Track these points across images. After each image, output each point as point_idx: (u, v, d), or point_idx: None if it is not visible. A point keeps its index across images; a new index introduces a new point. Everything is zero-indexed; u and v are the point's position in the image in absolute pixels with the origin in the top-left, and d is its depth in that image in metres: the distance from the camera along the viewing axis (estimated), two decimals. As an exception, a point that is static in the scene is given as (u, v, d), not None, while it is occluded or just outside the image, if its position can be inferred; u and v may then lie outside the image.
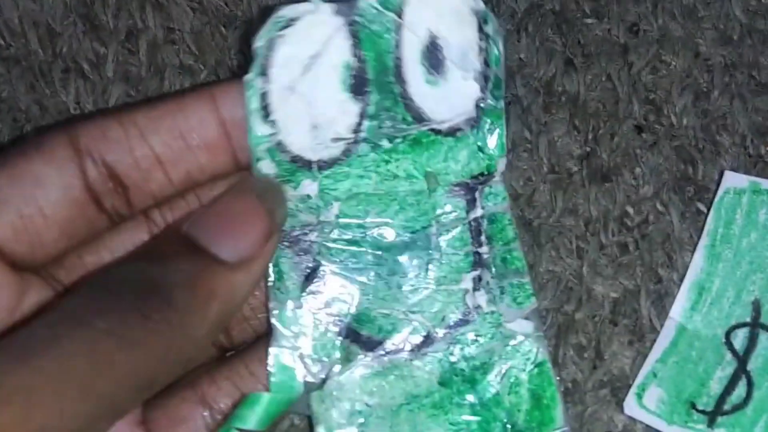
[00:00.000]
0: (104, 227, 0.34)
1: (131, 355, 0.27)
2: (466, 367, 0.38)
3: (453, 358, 0.38)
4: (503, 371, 0.38)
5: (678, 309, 0.41)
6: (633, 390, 0.40)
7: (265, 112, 0.36)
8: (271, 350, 0.36)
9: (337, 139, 0.37)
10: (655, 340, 0.40)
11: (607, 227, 0.42)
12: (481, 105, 0.38)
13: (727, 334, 0.40)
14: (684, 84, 0.43)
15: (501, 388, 0.38)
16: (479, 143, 0.38)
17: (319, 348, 0.38)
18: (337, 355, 0.38)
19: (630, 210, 0.42)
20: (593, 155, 0.43)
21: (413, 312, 0.38)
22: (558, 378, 0.41)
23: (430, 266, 0.38)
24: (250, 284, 0.33)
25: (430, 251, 0.38)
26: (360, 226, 0.38)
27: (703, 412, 0.39)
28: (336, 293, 0.38)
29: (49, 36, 0.44)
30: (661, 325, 0.40)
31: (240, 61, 0.44)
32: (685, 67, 0.44)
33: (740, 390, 0.39)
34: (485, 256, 0.38)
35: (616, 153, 0.43)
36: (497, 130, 0.38)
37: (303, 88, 0.36)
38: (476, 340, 0.38)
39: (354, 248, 0.38)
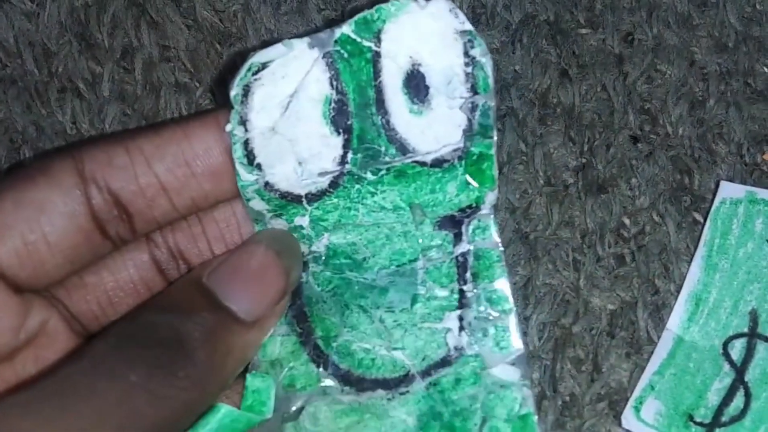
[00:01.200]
0: (107, 252, 0.34)
1: (158, 408, 0.29)
2: (446, 412, 0.37)
3: (432, 402, 0.37)
4: (484, 421, 0.36)
5: (675, 320, 0.41)
6: (630, 403, 0.40)
7: (249, 158, 0.35)
8: (248, 376, 0.36)
9: (323, 173, 0.36)
10: (652, 352, 0.40)
11: (603, 239, 0.42)
12: (469, 135, 0.36)
13: (725, 345, 0.40)
14: (679, 93, 0.43)
15: None
16: (467, 175, 0.37)
17: (298, 377, 0.37)
18: (314, 389, 0.37)
19: (626, 221, 0.42)
20: (589, 166, 0.43)
21: (395, 349, 0.37)
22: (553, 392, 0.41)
23: (417, 302, 0.37)
24: (262, 340, 0.35)
25: (417, 286, 0.37)
26: (347, 257, 0.38)
27: (701, 424, 0.39)
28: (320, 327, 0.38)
29: (44, 56, 0.44)
30: (659, 337, 0.40)
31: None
32: (680, 76, 0.44)
33: (738, 401, 0.39)
34: (469, 295, 0.37)
35: (611, 164, 0.43)
36: (486, 162, 0.37)
37: (284, 127, 0.36)
38: (457, 384, 0.37)
39: (340, 279, 0.38)
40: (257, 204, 0.36)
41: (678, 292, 0.41)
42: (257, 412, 0.36)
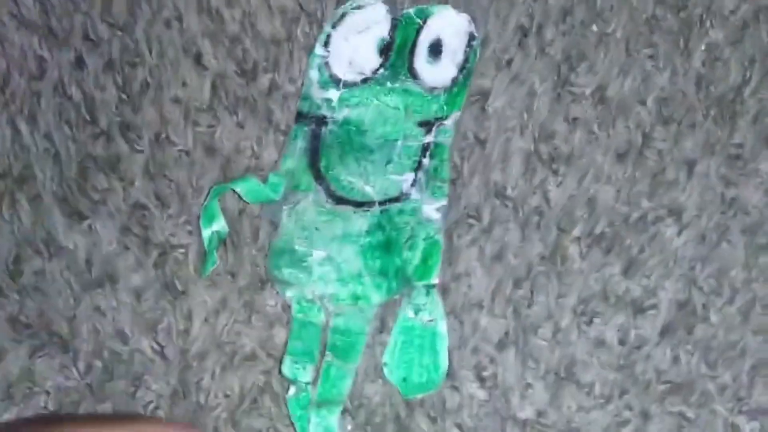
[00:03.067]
0: None
1: None
2: (388, 226, 0.63)
3: (381, 219, 0.62)
4: (411, 237, 0.62)
5: None
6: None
7: (326, 42, 0.65)
8: (270, 174, 0.64)
9: (360, 73, 0.65)
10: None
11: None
12: (454, 81, 0.64)
13: None
14: None
15: (404, 246, 0.62)
16: (444, 100, 0.64)
17: (302, 183, 0.64)
18: (310, 192, 0.63)
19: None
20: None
21: (367, 185, 0.63)
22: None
23: (390, 163, 0.64)
24: None
25: (393, 154, 0.64)
26: (356, 126, 0.64)
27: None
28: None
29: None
30: None
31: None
32: None
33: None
34: (425, 165, 0.63)
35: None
36: (459, 97, 0.64)
37: (353, 40, 0.66)
38: (400, 213, 0.63)
39: (347, 137, 0.64)
40: (314, 73, 0.65)
41: None
42: (272, 192, 0.63)
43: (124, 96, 0.65)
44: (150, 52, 0.66)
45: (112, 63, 0.66)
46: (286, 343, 0.61)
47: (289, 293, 0.62)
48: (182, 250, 0.63)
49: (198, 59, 0.66)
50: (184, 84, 0.65)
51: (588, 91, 0.64)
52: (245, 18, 0.66)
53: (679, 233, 0.61)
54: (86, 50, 0.66)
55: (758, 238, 0.61)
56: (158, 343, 0.62)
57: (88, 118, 0.65)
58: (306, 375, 0.60)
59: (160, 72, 0.66)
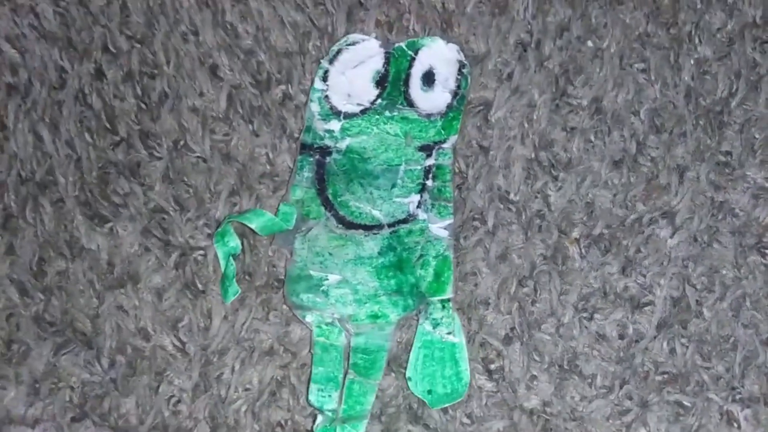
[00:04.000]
0: None
1: None
2: (399, 247, 0.66)
3: (392, 241, 0.66)
4: (421, 255, 0.65)
5: None
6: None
7: (324, 77, 0.69)
8: (281, 204, 0.66)
9: (359, 104, 0.69)
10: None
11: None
12: (449, 107, 0.68)
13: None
14: None
15: (416, 264, 0.65)
16: (441, 125, 0.68)
17: (311, 212, 0.66)
18: (321, 220, 0.66)
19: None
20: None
21: (375, 209, 0.66)
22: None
23: (394, 187, 0.67)
24: None
25: (397, 179, 0.67)
26: (358, 154, 0.68)
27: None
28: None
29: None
30: None
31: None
32: None
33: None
34: (429, 186, 0.67)
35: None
36: (455, 121, 0.68)
37: (350, 74, 0.70)
38: (409, 234, 0.66)
39: (351, 165, 0.67)
40: (315, 106, 0.69)
41: None
42: (284, 223, 0.65)
43: (143, 105, 0.68)
44: (168, 64, 0.69)
45: (132, 74, 0.69)
46: (302, 343, 0.65)
47: (308, 318, 0.64)
48: (201, 252, 0.66)
49: (214, 71, 0.69)
50: (201, 94, 0.69)
51: (584, 103, 0.68)
52: (259, 32, 0.70)
53: (673, 234, 0.65)
54: (106, 61, 0.69)
55: (746, 238, 0.65)
56: (180, 340, 0.64)
57: (108, 126, 0.68)
58: (332, 402, 0.62)
59: (178, 83, 0.69)
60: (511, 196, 0.66)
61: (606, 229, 0.65)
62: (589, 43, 0.69)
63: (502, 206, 0.66)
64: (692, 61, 0.68)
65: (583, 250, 0.65)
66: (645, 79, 0.68)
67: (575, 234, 0.66)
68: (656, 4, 0.69)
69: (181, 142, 0.68)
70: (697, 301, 0.64)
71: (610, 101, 0.68)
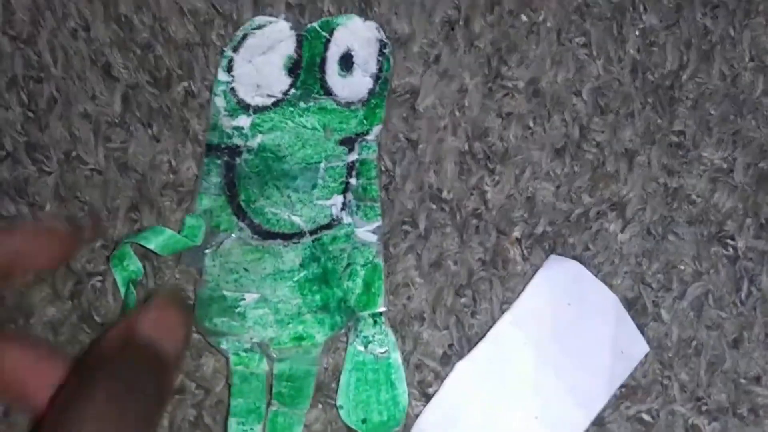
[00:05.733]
0: None
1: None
2: (323, 257, 0.58)
3: (314, 250, 0.58)
4: (349, 265, 0.57)
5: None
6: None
7: (228, 67, 0.61)
8: (187, 216, 0.58)
9: (270, 96, 0.61)
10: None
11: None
12: (371, 92, 0.60)
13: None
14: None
15: (343, 275, 0.57)
16: (363, 114, 0.60)
17: (222, 222, 0.58)
18: (233, 231, 0.58)
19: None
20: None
21: (294, 215, 0.58)
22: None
23: (315, 188, 0.59)
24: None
25: (317, 178, 0.59)
26: (272, 152, 0.59)
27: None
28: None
29: None
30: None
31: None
32: None
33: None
34: (352, 185, 0.59)
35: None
36: (378, 109, 0.60)
37: (257, 62, 0.61)
38: (334, 241, 0.58)
39: (264, 166, 0.59)
40: (220, 101, 0.61)
41: None
42: (190, 239, 0.57)
43: (29, 114, 0.61)
44: (55, 65, 0.62)
45: (15, 79, 0.61)
46: (217, 377, 0.58)
47: (224, 345, 0.56)
48: (99, 278, 0.59)
49: (107, 70, 0.62)
50: (93, 97, 0.61)
51: (521, 85, 0.61)
52: (156, 23, 0.62)
53: (623, 228, 0.59)
54: (-15, 67, 0.62)
55: (706, 228, 0.59)
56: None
57: (-9, 140, 0.60)
58: None
59: (67, 86, 0.61)
60: (444, 194, 0.59)
61: (549, 226, 0.59)
62: (523, 17, 0.62)
63: (434, 206, 0.59)
64: (637, 32, 0.62)
65: (525, 252, 0.58)
66: (586, 55, 0.61)
67: (516, 234, 0.59)
68: (595, -31, 0.62)
69: (73, 153, 0.60)
70: (653, 301, 0.58)
71: (549, 82, 0.61)
